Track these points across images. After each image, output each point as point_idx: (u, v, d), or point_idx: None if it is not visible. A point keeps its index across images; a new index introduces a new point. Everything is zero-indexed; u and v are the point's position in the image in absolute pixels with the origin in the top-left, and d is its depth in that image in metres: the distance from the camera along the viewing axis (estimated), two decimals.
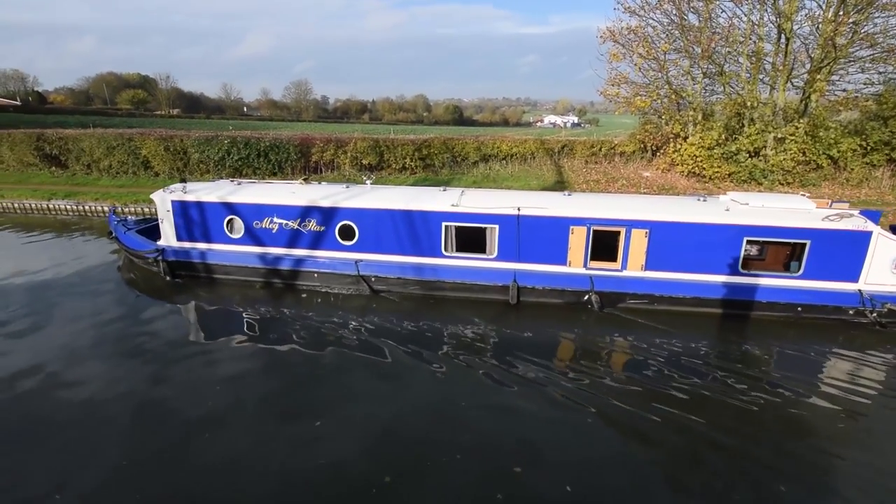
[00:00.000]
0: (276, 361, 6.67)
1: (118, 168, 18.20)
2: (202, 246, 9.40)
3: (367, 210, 8.65)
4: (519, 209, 8.18)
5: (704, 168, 15.85)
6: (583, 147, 18.37)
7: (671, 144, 16.78)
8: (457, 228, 8.46)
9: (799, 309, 7.83)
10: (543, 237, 8.23)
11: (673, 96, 17.21)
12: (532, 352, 6.84)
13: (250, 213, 9.05)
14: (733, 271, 7.91)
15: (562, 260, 8.26)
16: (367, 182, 9.89)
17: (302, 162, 17.58)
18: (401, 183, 16.59)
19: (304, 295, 8.89)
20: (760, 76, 16.11)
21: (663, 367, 6.52)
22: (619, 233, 8.05)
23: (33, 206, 16.09)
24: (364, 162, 17.59)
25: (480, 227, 8.39)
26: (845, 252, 7.60)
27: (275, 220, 8.99)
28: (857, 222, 7.56)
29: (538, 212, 8.16)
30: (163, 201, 9.38)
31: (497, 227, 8.29)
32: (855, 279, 7.69)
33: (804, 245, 7.69)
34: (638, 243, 7.98)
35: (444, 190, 9.26)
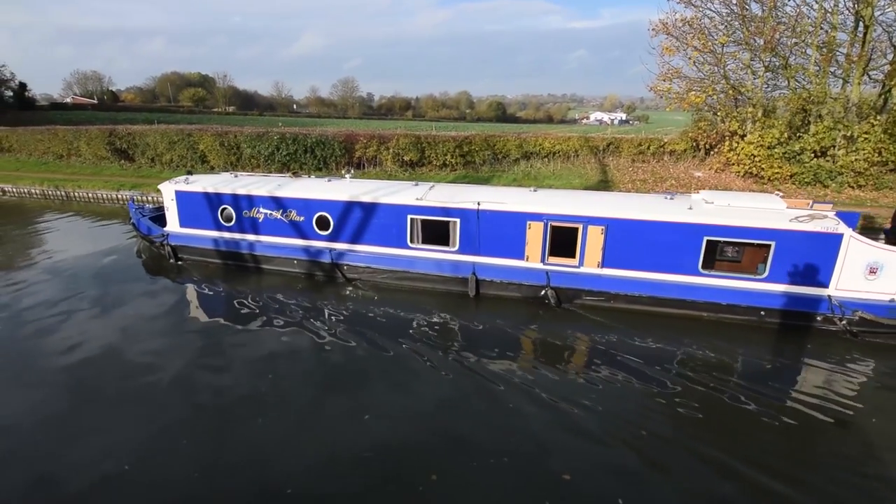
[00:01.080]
0: (258, 343, 7.08)
1: (178, 161, 19.42)
2: (200, 232, 10.13)
3: (341, 202, 9.04)
4: (479, 203, 8.29)
5: (763, 168, 14.84)
6: (630, 145, 17.68)
7: (727, 143, 15.83)
8: (422, 221, 8.68)
9: (762, 313, 7.42)
10: (502, 231, 8.31)
11: (730, 91, 16.20)
12: (487, 345, 6.90)
13: (241, 204, 9.69)
14: (693, 271, 7.63)
15: (519, 254, 8.33)
16: (347, 176, 10.38)
17: (346, 158, 18.04)
18: (441, 180, 16.67)
19: (287, 280, 9.42)
20: (831, 69, 14.84)
21: (618, 370, 6.32)
22: (576, 229, 7.99)
23: (104, 196, 17.50)
24: (405, 158, 17.79)
25: (444, 221, 8.56)
26: (815, 255, 7.12)
27: (261, 210, 9.58)
28: (827, 224, 7.06)
29: (497, 206, 8.24)
30: (168, 191, 10.18)
31: (458, 220, 8.45)
32: (826, 284, 7.20)
33: (769, 246, 7.28)
34: (594, 240, 7.91)
35: (416, 185, 9.47)
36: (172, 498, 4.34)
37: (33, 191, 18.98)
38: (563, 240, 8.14)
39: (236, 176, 10.65)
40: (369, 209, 8.92)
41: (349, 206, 9.04)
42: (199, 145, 18.91)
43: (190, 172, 11.04)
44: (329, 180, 10.06)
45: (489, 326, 7.56)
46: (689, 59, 16.13)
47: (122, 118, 39.06)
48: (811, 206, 7.62)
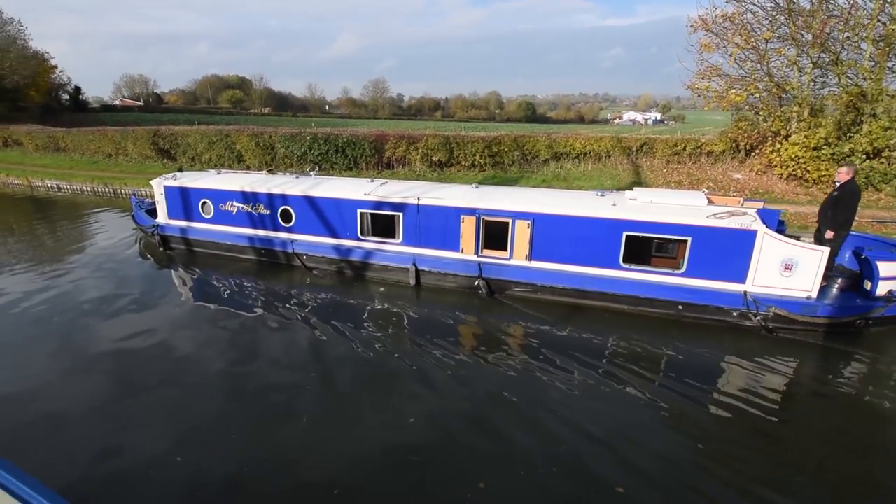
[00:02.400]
0: (236, 325, 7.64)
1: (217, 161, 20.15)
2: (185, 224, 11.07)
3: (301, 197, 9.73)
4: (419, 199, 8.81)
5: (808, 171, 14.06)
6: (664, 145, 17.12)
7: (769, 143, 15.08)
8: (371, 215, 9.29)
9: (679, 307, 7.59)
10: (439, 225, 8.79)
11: (774, 90, 15.43)
12: (425, 333, 7.33)
13: (217, 198, 10.54)
14: (613, 265, 7.88)
15: (455, 247, 8.78)
16: (312, 173, 11.14)
17: (376, 157, 18.26)
18: (469, 180, 16.63)
19: (259, 268, 10.21)
20: (889, 64, 13.89)
21: (545, 361, 6.47)
22: (507, 223, 8.37)
23: (146, 193, 18.37)
24: (434, 158, 17.85)
25: (389, 215, 9.10)
26: (730, 251, 7.25)
27: (234, 203, 10.39)
28: (742, 221, 7.15)
29: (435, 201, 8.73)
30: (158, 186, 11.13)
31: (401, 214, 8.97)
32: (742, 280, 7.30)
33: (685, 242, 7.46)
34: (522, 234, 8.28)
35: (372, 181, 10.10)
36: (215, 486, 4.49)
37: (84, 188, 20.16)
38: (495, 233, 8.57)
39: (219, 173, 11.61)
40: (325, 204, 9.57)
41: (308, 201, 9.71)
42: (236, 145, 19.57)
43: (180, 169, 12.23)
44: (297, 177, 10.78)
45: (427, 314, 8.05)
46: (730, 56, 15.47)
47: (166, 119, 40.87)
48: (741, 204, 7.75)
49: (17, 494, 1.96)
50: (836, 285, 7.44)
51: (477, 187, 9.40)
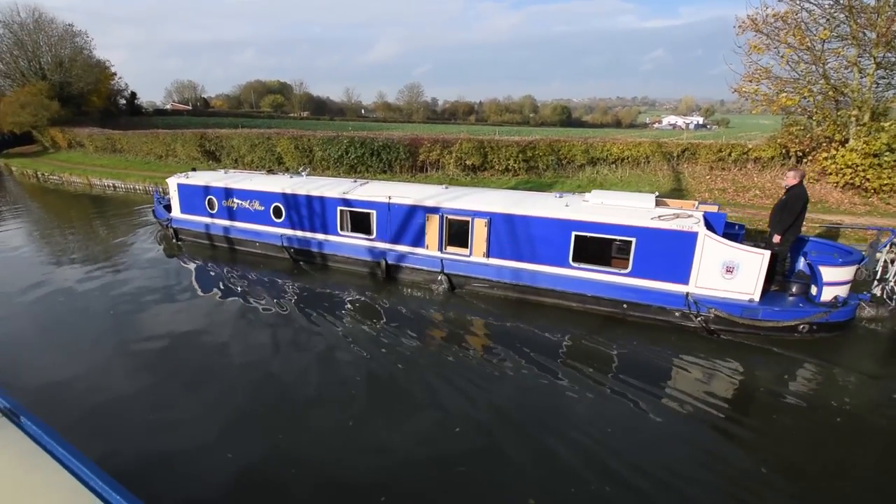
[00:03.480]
0: (224, 314, 8.33)
1: (258, 163, 20.95)
2: (194, 218, 12.21)
3: (289, 195, 10.61)
4: (390, 198, 9.48)
5: (868, 179, 13.14)
6: (708, 151, 16.43)
7: (823, 150, 14.20)
8: (349, 213, 10.07)
9: (624, 306, 7.85)
10: (407, 223, 9.43)
11: (830, 93, 14.52)
12: (393, 322, 7.93)
13: (220, 195, 11.63)
14: (564, 263, 8.24)
15: (421, 243, 9.38)
16: (303, 173, 12.12)
17: (410, 161, 18.46)
18: (503, 185, 16.53)
19: (255, 260, 11.12)
20: None
21: (499, 355, 6.79)
22: (467, 222, 8.90)
23: None
24: (468, 163, 17.86)
25: (365, 212, 9.83)
26: (673, 253, 7.47)
27: (234, 200, 11.43)
28: (684, 223, 7.37)
29: (403, 201, 9.39)
30: (172, 184, 12.40)
31: (375, 212, 9.69)
32: (685, 281, 7.50)
33: (630, 242, 7.72)
34: (480, 232, 8.82)
35: (355, 181, 10.99)
36: (252, 476, 4.61)
37: (137, 187, 21.43)
38: (457, 231, 9.18)
39: (226, 172, 12.83)
40: (310, 202, 10.43)
41: (295, 199, 10.59)
42: (276, 148, 20.28)
43: (193, 168, 13.73)
44: (291, 176, 11.82)
45: (396, 306, 8.65)
46: (782, 57, 14.67)
47: (212, 122, 42.89)
48: (696, 208, 8.09)
49: (98, 492, 2.08)
50: (792, 290, 7.47)
51: (447, 188, 10.07)
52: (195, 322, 7.91)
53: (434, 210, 9.12)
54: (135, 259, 11.49)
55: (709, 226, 7.58)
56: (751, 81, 15.54)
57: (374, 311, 8.37)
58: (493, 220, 8.66)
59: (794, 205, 7.32)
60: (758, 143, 16.54)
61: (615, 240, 7.93)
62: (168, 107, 79.14)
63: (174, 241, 12.52)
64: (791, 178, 7.48)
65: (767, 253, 6.99)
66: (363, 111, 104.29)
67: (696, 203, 8.26)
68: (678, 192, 14.63)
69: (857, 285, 7.49)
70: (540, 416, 5.47)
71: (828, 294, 7.08)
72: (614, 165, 17.18)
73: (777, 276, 7.63)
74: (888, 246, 7.65)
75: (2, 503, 2.08)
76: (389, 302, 8.79)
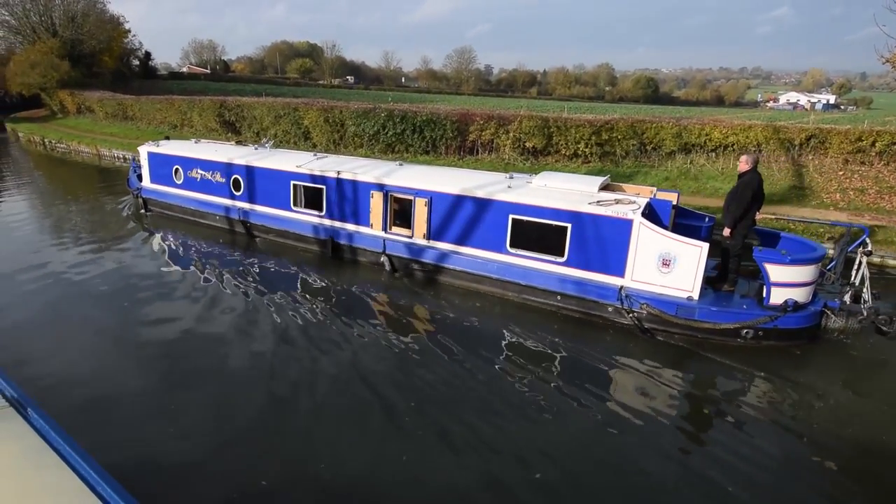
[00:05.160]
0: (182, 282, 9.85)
1: (282, 137, 21.76)
2: (163, 188, 13.78)
3: (248, 167, 11.78)
4: (338, 173, 10.37)
5: None
6: (842, 139, 15.34)
7: None
8: (302, 187, 11.03)
9: (558, 297, 8.37)
10: (353, 200, 10.33)
11: None
12: (335, 303, 8.89)
13: (185, 165, 13.01)
14: (500, 249, 8.89)
15: (366, 222, 10.25)
16: (267, 145, 13.42)
17: (458, 141, 18.53)
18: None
19: (217, 233, 12.53)
20: None
21: (437, 345, 7.44)
22: (411, 201, 9.59)
23: None
24: (528, 145, 17.70)
25: (317, 188, 10.76)
26: (609, 241, 7.87)
27: (198, 171, 12.74)
28: (620, 209, 7.73)
29: (350, 176, 10.26)
30: (143, 152, 14.05)
31: (325, 187, 10.62)
32: (620, 273, 7.89)
33: (566, 229, 8.20)
34: (421, 212, 9.51)
35: (315, 155, 12.01)
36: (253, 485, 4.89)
37: None
38: (402, 211, 9.94)
39: (197, 142, 14.44)
40: (266, 174, 11.52)
41: (253, 171, 11.73)
42: (303, 120, 20.98)
43: (167, 137, 15.30)
44: (256, 148, 12.99)
45: (339, 286, 9.64)
46: None
47: (232, 89, 45.01)
48: (654, 195, 8.50)
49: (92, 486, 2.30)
50: (750, 291, 7.73)
51: (401, 165, 10.90)
52: (123, 299, 8.93)
53: (379, 187, 9.91)
54: (110, 236, 12.90)
55: (651, 213, 7.93)
56: None
57: (314, 293, 9.37)
58: (434, 199, 9.37)
59: (743, 194, 7.49)
60: None
61: (550, 225, 8.40)
62: (184, 70, 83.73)
63: (143, 211, 14.35)
64: (743, 163, 7.67)
65: (705, 245, 7.22)
66: (403, 79, 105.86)
67: (655, 190, 8.72)
68: (798, 191, 13.83)
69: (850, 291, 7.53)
70: (436, 413, 6.01)
71: (777, 296, 7.16)
72: (714, 154, 16.45)
73: (731, 275, 7.90)
74: (861, 246, 7.62)
75: (4, 498, 2.28)
76: (330, 284, 9.75)
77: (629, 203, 7.89)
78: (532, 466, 5.19)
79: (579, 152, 17.33)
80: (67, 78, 35.66)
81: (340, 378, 6.67)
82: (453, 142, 18.57)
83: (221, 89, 44.51)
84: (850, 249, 7.79)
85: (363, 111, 19.65)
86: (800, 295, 7.17)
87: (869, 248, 7.59)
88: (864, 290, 7.37)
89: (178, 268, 10.47)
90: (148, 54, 58.15)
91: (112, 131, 28.60)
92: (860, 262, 7.59)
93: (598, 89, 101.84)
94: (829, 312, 7.26)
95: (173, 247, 11.80)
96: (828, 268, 7.62)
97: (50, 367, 6.74)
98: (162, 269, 10.46)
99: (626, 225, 7.64)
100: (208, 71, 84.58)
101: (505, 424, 5.83)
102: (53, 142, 28.98)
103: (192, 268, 10.41)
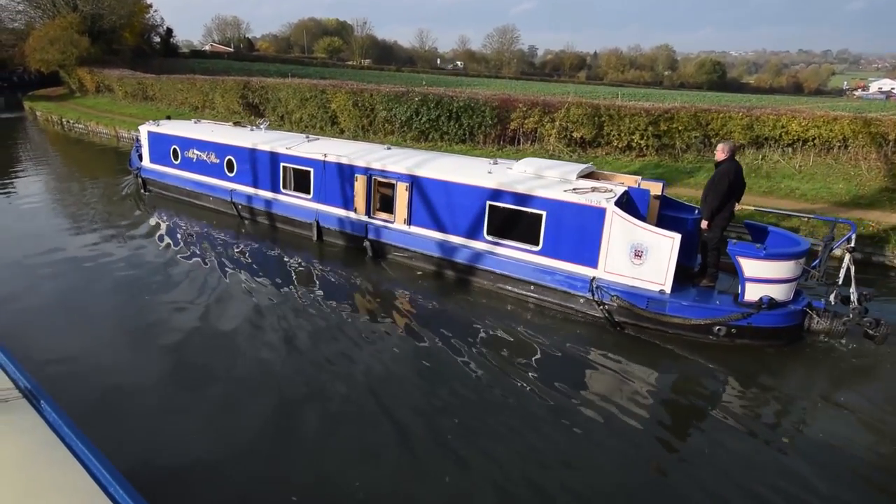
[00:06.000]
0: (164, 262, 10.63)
1: (308, 121, 22.19)
2: (161, 168, 14.78)
3: (240, 148, 12.63)
4: (325, 156, 11.06)
5: None
6: None
7: None
8: (292, 170, 11.79)
9: (532, 287, 8.80)
10: (339, 183, 11.05)
11: None
12: (318, 287, 9.67)
13: (183, 145, 14.00)
14: (477, 236, 9.43)
15: (350, 206, 10.93)
16: (262, 126, 14.24)
17: (498, 129, 18.48)
18: (622, 167, 16.02)
19: (211, 215, 13.43)
20: None
21: (412, 335, 8.01)
22: (393, 185, 10.25)
23: None
24: (575, 135, 17.51)
25: (305, 170, 11.55)
26: (583, 230, 8.26)
27: (194, 151, 13.68)
28: (594, 197, 8.08)
29: (336, 159, 10.95)
30: (143, 131, 15.10)
31: (312, 170, 11.38)
32: (593, 264, 8.27)
33: (541, 216, 8.64)
34: (402, 197, 10.15)
35: (308, 138, 12.77)
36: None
37: None
38: (385, 195, 10.65)
39: (197, 122, 15.56)
40: (257, 156, 12.34)
41: (246, 152, 12.54)
42: (331, 104, 21.32)
43: (168, 117, 16.71)
44: (252, 129, 13.88)
45: (324, 270, 10.41)
46: None
47: (255, 69, 46.12)
48: (638, 184, 8.89)
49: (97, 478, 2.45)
50: (732, 287, 7.93)
51: (389, 149, 11.62)
52: (109, 283, 9.59)
53: (363, 170, 10.56)
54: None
55: (628, 202, 8.30)
56: None
57: (298, 277, 10.11)
58: (415, 183, 9.97)
59: (720, 184, 7.71)
60: None
61: (526, 213, 8.84)
62: (207, 48, 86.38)
63: (142, 191, 15.40)
64: (719, 152, 7.95)
65: (677, 236, 7.49)
66: (438, 61, 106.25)
67: (639, 179, 9.09)
68: (891, 195, 13.23)
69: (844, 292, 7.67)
70: (395, 402, 6.38)
71: (752, 292, 7.35)
72: (790, 149, 15.90)
73: (710, 269, 8.18)
74: (847, 242, 7.68)
75: (14, 493, 2.42)
76: (315, 270, 10.51)
77: (605, 191, 8.27)
78: (473, 466, 5.44)
79: (633, 144, 17.05)
80: (87, 55, 37.27)
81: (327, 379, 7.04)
82: (492, 130, 18.52)
83: (245, 69, 45.67)
84: (835, 246, 7.85)
85: (395, 95, 19.81)
86: (777, 292, 7.31)
87: (851, 245, 7.63)
88: (851, 290, 7.44)
89: (167, 251, 11.20)
90: (169, 31, 60.24)
91: (131, 112, 29.73)
92: (845, 260, 7.62)
93: (655, 74, 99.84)
94: (811, 313, 7.41)
95: (166, 229, 12.70)
96: (812, 265, 7.68)
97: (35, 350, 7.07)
98: (149, 251, 11.18)
99: (600, 213, 7.99)
100: (231, 49, 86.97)
101: (454, 410, 6.24)
102: (71, 122, 30.36)
103: (183, 252, 11.08)
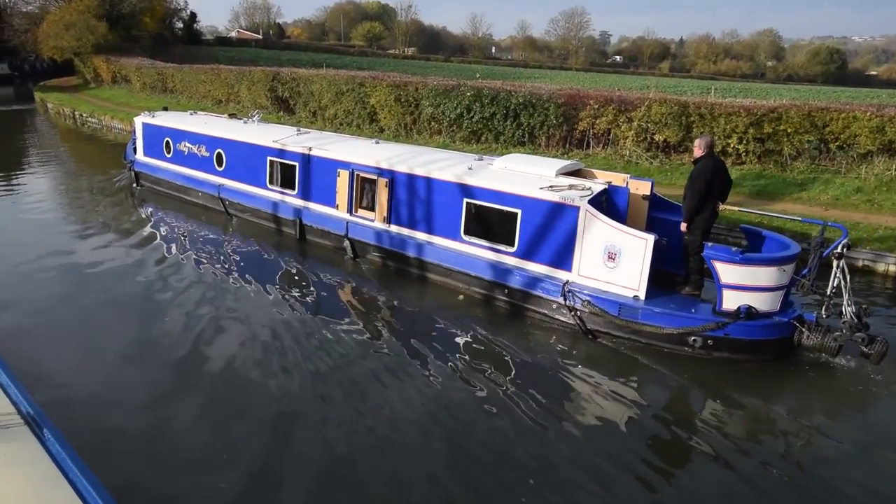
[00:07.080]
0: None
1: (343, 118, 22.35)
2: (154, 161, 15.81)
3: (230, 140, 13.54)
4: (310, 149, 11.65)
5: None
6: None
7: None
8: (279, 164, 12.41)
9: (506, 291, 9.23)
10: (322, 178, 11.65)
11: None
12: (296, 286, 10.36)
13: (175, 137, 14.97)
14: (454, 236, 9.90)
15: (332, 202, 11.43)
16: (255, 118, 15.15)
17: (563, 129, 17.93)
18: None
19: (200, 211, 14.40)
20: None
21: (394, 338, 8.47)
22: (375, 181, 10.79)
23: None
24: (657, 138, 16.84)
25: (290, 164, 12.14)
26: (558, 230, 8.63)
27: (186, 144, 14.61)
28: (569, 195, 8.45)
29: (320, 153, 11.56)
30: (138, 123, 16.20)
31: (297, 164, 11.94)
32: (568, 267, 8.64)
33: (516, 215, 9.05)
34: (382, 194, 10.68)
35: (299, 131, 13.48)
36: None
37: None
38: (368, 192, 11.13)
39: (193, 114, 16.52)
40: (245, 149, 13.12)
41: (234, 146, 13.42)
42: (370, 99, 21.20)
43: (165, 108, 18.05)
44: (245, 122, 14.93)
45: (305, 269, 11.09)
46: None
47: (286, 58, 47.16)
48: (626, 183, 9.24)
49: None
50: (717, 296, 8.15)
51: (377, 142, 12.33)
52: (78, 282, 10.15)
53: (345, 165, 11.15)
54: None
55: (607, 201, 8.76)
56: None
57: (280, 274, 10.91)
58: (394, 180, 10.52)
59: (696, 183, 7.97)
60: None
61: (501, 211, 9.28)
62: (233, 35, 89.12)
63: (134, 185, 16.54)
64: (697, 148, 8.28)
65: (650, 237, 7.73)
66: (493, 50, 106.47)
67: (628, 178, 9.43)
68: None
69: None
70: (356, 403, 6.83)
71: (730, 300, 7.50)
72: None
73: (693, 276, 8.47)
74: (838, 248, 7.70)
75: None
76: (299, 265, 11.32)
77: (582, 189, 8.62)
78: (438, 479, 5.73)
79: (730, 149, 16.35)
80: (104, 42, 38.80)
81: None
82: (557, 131, 18.13)
83: (274, 58, 46.82)
84: (825, 253, 7.92)
85: (443, 89, 19.73)
86: (759, 301, 7.43)
87: (840, 251, 7.65)
88: (843, 302, 7.55)
89: (141, 250, 11.83)
90: (193, 16, 62.53)
91: (149, 105, 30.42)
92: (834, 268, 7.71)
93: (755, 64, 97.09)
94: (800, 327, 7.49)
95: (149, 227, 13.49)
96: (801, 274, 7.82)
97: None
98: (120, 252, 11.70)
99: (573, 212, 8.33)
100: (260, 36, 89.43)
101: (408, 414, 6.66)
102: (85, 115, 31.61)
103: (158, 254, 11.71)
